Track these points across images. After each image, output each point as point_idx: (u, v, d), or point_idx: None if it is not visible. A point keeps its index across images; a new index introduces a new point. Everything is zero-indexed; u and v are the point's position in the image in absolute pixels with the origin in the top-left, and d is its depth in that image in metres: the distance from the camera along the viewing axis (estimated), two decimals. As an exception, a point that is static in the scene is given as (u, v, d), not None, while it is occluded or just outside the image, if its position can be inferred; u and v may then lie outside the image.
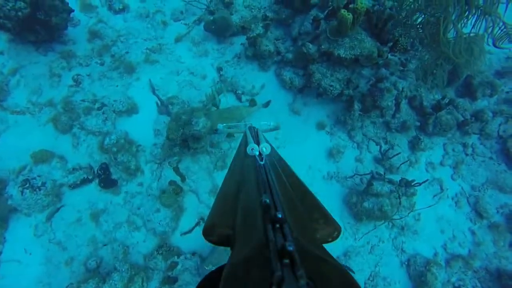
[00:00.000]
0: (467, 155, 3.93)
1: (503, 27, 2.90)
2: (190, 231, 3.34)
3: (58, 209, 3.17)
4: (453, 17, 2.95)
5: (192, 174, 3.53)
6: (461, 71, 3.87)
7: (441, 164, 3.90)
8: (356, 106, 3.70)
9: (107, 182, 3.37)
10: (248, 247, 0.58)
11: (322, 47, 3.32)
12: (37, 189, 3.04)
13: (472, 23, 2.99)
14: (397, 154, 3.69)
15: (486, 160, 3.92)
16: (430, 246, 3.51)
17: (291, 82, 3.87)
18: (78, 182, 3.30)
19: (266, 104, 3.99)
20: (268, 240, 0.49)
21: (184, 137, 3.08)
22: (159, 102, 3.47)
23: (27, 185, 3.01)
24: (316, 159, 3.94)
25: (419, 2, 3.09)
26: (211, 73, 4.22)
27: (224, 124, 2.69)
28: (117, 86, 3.87)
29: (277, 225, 0.52)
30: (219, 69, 4.18)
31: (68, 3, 3.80)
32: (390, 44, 3.35)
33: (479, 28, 2.99)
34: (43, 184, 3.10)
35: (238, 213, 0.78)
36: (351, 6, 3.04)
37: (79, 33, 4.24)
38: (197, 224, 3.39)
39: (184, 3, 4.51)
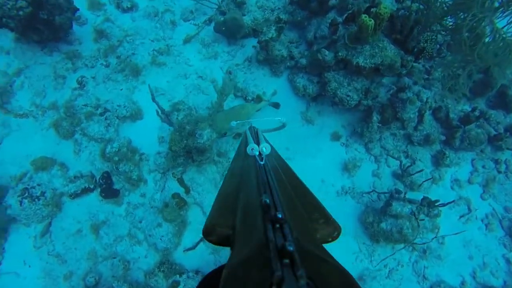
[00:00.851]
0: (499, 172, 3.58)
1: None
2: (193, 247, 3.17)
3: (50, 224, 3.05)
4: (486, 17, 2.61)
5: (197, 186, 3.35)
6: (494, 80, 3.51)
7: (469, 181, 3.58)
8: (375, 117, 3.41)
9: (109, 192, 3.23)
10: (248, 247, 0.57)
11: (339, 54, 3.04)
12: (36, 199, 2.93)
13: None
14: (419, 171, 3.39)
15: (522, 179, 3.58)
16: (457, 274, 3.22)
17: (304, 90, 3.61)
18: (79, 192, 3.18)
19: (275, 105, 3.75)
20: (268, 240, 0.50)
21: (188, 148, 2.89)
22: (159, 111, 3.25)
23: (26, 194, 2.90)
24: (329, 173, 3.69)
25: (450, 3, 2.76)
26: (220, 76, 4.00)
27: (238, 121, 2.51)
28: (121, 89, 3.71)
29: (277, 225, 0.53)
30: (229, 73, 3.95)
31: (73, 2, 3.65)
32: (415, 52, 3.02)
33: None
34: (43, 193, 2.99)
35: (238, 213, 0.78)
36: (373, 10, 2.75)
37: (86, 33, 4.09)
38: (201, 240, 3.22)
39: (195, 2, 4.29)
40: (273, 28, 3.46)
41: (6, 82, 3.63)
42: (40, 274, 2.93)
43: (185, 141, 2.84)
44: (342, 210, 3.57)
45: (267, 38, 3.48)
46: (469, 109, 3.57)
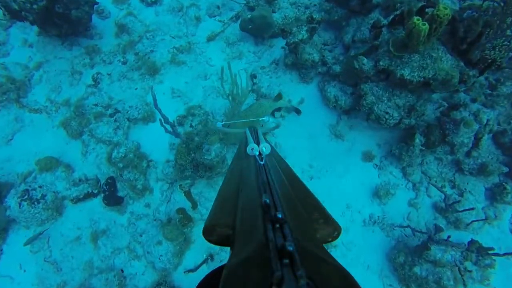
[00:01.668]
0: None
1: None
2: (195, 269, 2.87)
3: (40, 234, 2.88)
4: None
5: (206, 201, 3.03)
6: None
7: (534, 226, 2.91)
8: (418, 139, 2.86)
9: (112, 199, 3.01)
10: (248, 247, 0.57)
11: (381, 63, 2.53)
12: (36, 202, 2.78)
13: None
14: (469, 210, 2.80)
15: None
16: None
17: (335, 101, 3.13)
18: (81, 196, 2.99)
19: (297, 111, 3.32)
20: (268, 240, 0.50)
21: (195, 162, 2.56)
22: (162, 120, 2.91)
23: (26, 196, 2.76)
24: (357, 198, 3.20)
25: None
26: (243, 80, 3.63)
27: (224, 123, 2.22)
28: (136, 89, 3.48)
29: (277, 225, 0.53)
30: (253, 76, 3.57)
31: (92, -5, 3.46)
32: (480, 64, 2.42)
33: None
34: (43, 196, 2.83)
35: (238, 213, 0.77)
36: (428, 11, 2.21)
37: (108, 27, 3.92)
38: (205, 261, 2.90)
39: (222, -4, 3.95)
40: (304, 28, 3.01)
41: (25, 75, 3.55)
42: (34, 281, 2.79)
43: (192, 155, 2.52)
44: (368, 242, 3.07)
45: (296, 40, 3.04)
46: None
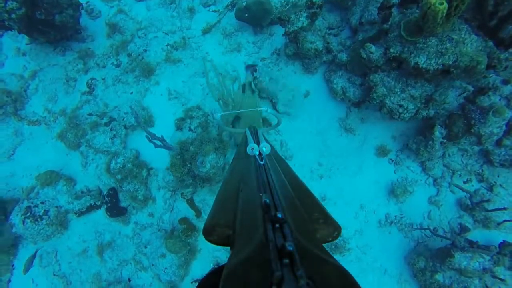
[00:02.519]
0: None
1: None
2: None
3: (34, 256, 2.87)
4: None
5: (209, 207, 2.90)
6: None
7: None
8: (438, 132, 2.54)
9: (114, 210, 2.95)
10: (248, 247, 0.57)
11: (391, 51, 2.19)
12: (39, 219, 2.76)
13: None
14: (501, 209, 2.49)
15: None
16: None
17: (343, 93, 2.83)
18: (84, 209, 2.95)
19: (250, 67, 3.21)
20: (268, 240, 0.50)
21: (192, 174, 2.40)
22: (149, 137, 2.67)
23: (29, 214, 2.74)
24: (371, 196, 2.96)
25: None
26: (244, 73, 3.38)
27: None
28: (131, 93, 3.32)
29: (277, 225, 0.53)
30: (252, 70, 3.30)
31: (76, -4, 3.25)
32: (512, 44, 2.03)
33: None
34: (46, 212, 2.81)
35: (238, 213, 0.77)
36: (447, -15, 1.84)
37: (99, 27, 3.73)
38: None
39: (216, -17, 3.63)
40: (304, 15, 2.68)
41: (21, 86, 3.48)
42: (46, 295, 2.83)
43: (188, 165, 2.35)
44: (384, 244, 2.86)
45: (296, 28, 2.73)
46: None
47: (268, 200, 0.63)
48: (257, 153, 1.01)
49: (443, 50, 2.03)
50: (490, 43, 2.06)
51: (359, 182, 2.99)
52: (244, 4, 3.20)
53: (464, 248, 2.32)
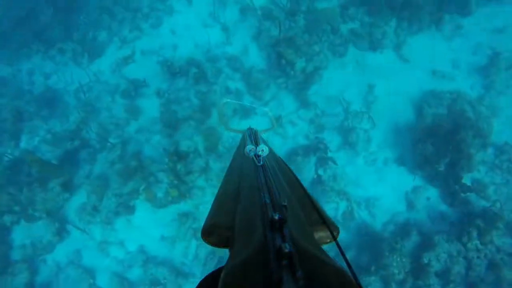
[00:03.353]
0: None
1: None
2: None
3: None
4: None
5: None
6: None
7: None
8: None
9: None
10: (247, 248, 0.57)
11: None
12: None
13: None
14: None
15: None
16: None
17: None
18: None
19: None
20: (267, 241, 0.51)
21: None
22: None
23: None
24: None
25: None
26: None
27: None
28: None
29: (276, 226, 0.53)
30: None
31: None
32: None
33: None
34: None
35: (237, 214, 0.78)
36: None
37: None
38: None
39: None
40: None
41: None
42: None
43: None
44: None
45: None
46: None
47: (267, 201, 0.64)
48: (256, 154, 1.00)
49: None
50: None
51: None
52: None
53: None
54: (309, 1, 6.53)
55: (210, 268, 4.81)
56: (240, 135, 1.53)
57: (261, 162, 0.94)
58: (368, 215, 5.06)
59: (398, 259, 4.41)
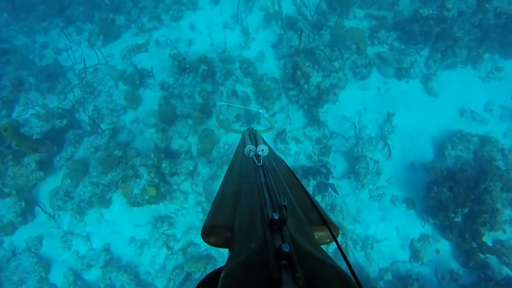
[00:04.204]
0: None
1: None
2: None
3: None
4: None
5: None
6: None
7: None
8: None
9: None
10: (246, 248, 0.57)
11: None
12: None
13: None
14: None
15: None
16: None
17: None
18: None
19: None
20: (267, 241, 0.51)
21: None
22: None
23: None
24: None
25: None
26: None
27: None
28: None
29: (276, 226, 0.54)
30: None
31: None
32: None
33: None
34: None
35: (237, 214, 0.78)
36: None
37: None
38: None
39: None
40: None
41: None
42: None
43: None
44: None
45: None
46: None
47: (267, 202, 0.65)
48: (255, 154, 1.00)
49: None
50: None
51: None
52: None
53: None
54: (338, 17, 6.17)
55: (175, 283, 4.27)
56: (239, 137, 1.50)
57: (261, 162, 0.93)
58: (364, 257, 4.40)
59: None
